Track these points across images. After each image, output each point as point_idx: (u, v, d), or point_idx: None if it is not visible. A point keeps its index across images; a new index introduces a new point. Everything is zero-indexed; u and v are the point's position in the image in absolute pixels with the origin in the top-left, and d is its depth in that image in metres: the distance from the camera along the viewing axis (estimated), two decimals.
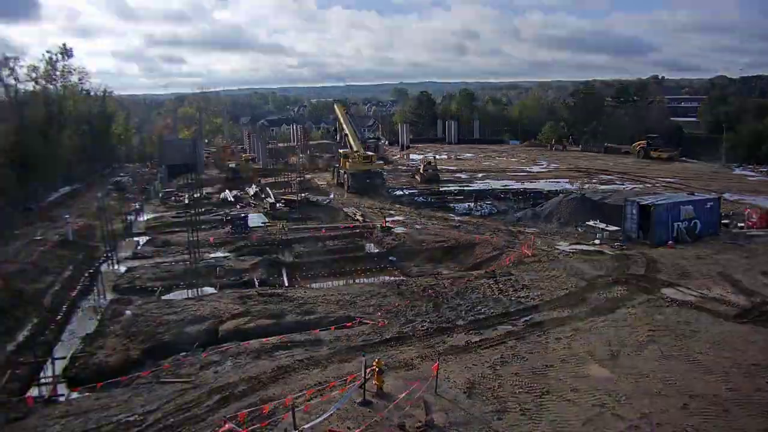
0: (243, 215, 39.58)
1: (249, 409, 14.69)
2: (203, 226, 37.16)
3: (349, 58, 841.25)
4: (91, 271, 29.96)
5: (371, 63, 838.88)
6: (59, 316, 24.05)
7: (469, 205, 45.75)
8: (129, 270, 30.21)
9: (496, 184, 53.38)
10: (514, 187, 52.00)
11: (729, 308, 21.44)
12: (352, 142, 55.08)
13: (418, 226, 38.09)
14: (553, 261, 28.93)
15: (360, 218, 40.11)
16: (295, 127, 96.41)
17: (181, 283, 27.84)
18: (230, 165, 65.48)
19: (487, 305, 22.76)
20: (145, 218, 43.46)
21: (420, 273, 30.34)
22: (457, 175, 60.29)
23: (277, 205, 44.74)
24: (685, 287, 23.84)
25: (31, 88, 59.96)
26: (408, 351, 18.77)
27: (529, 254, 30.32)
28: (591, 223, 34.83)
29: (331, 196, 49.22)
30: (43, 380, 18.87)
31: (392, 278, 29.41)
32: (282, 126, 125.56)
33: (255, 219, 40.24)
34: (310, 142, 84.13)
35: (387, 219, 38.67)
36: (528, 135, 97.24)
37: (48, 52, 64.01)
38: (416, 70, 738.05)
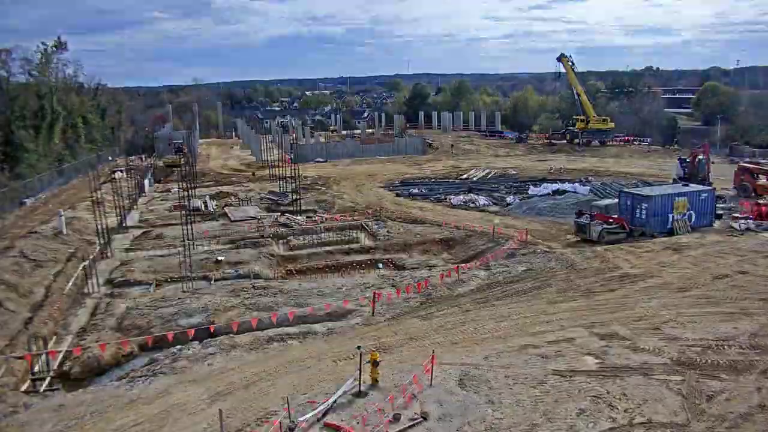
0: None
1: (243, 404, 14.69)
2: (198, 219, 37.18)
3: None
4: (85, 264, 29.77)
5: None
6: (53, 310, 23.87)
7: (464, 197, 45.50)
8: (123, 263, 30.06)
9: None
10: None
11: None
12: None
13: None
14: (546, 253, 29.01)
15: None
16: None
17: (175, 276, 27.70)
18: None
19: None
20: (139, 211, 43.19)
21: (415, 265, 30.27)
22: None
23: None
24: None
25: (24, 80, 59.54)
26: (402, 343, 18.79)
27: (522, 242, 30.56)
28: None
29: None
30: (37, 374, 18.76)
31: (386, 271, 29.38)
32: (277, 118, 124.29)
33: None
34: None
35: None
36: (523, 128, 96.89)
37: (43, 44, 63.65)
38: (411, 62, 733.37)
